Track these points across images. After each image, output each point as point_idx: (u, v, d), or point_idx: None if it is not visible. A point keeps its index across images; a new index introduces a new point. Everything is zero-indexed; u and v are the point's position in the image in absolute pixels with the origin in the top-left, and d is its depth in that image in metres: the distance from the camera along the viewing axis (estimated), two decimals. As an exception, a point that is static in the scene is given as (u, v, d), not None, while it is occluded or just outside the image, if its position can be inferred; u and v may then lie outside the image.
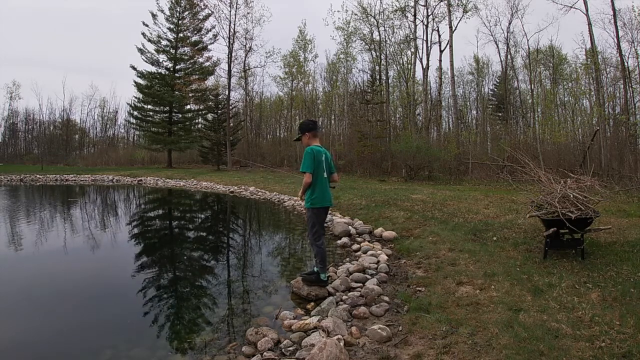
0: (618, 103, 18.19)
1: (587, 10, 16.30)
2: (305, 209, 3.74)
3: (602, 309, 2.73)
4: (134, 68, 26.43)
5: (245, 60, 26.72)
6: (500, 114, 28.89)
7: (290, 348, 2.62)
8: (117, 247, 6.12)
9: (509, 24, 23.65)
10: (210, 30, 26.90)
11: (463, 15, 20.74)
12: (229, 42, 24.53)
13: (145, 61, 26.81)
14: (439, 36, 21.75)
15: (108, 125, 44.43)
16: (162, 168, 26.80)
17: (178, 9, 26.51)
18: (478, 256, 4.18)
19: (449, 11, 20.25)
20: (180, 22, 26.61)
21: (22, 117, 43.33)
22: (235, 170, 23.95)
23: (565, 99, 23.80)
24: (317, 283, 3.63)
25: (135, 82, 26.53)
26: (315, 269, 3.71)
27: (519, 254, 4.16)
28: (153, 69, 26.97)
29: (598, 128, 15.07)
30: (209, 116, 27.69)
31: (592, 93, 17.65)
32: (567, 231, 3.76)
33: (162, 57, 27.04)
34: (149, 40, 26.44)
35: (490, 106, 32.05)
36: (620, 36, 16.02)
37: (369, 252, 4.83)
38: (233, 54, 24.98)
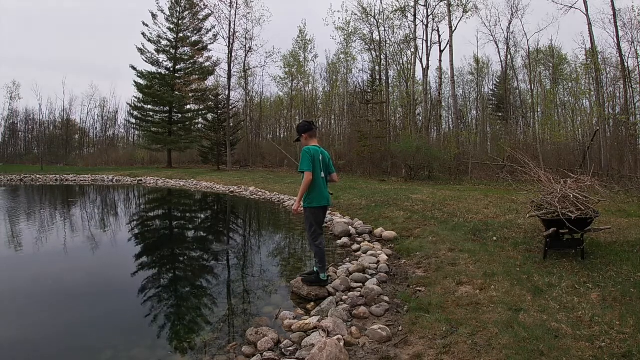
0: (618, 103, 18.21)
1: (587, 10, 16.32)
2: (302, 209, 3.74)
3: (602, 309, 2.73)
4: (134, 68, 26.48)
5: (245, 60, 26.76)
6: (500, 114, 28.87)
7: (290, 348, 2.62)
8: (117, 247, 6.12)
9: (509, 24, 23.68)
10: (210, 30, 26.96)
11: (463, 16, 20.76)
12: (229, 42, 24.55)
13: (145, 61, 26.87)
14: (439, 36, 21.77)
15: (108, 125, 44.47)
16: (162, 168, 26.79)
17: (178, 9, 26.51)
18: (478, 256, 4.18)
19: (449, 11, 20.25)
20: (180, 22, 26.61)
21: (22, 117, 43.35)
22: (235, 170, 23.96)
23: (565, 99, 23.81)
24: (317, 283, 3.63)
25: (135, 82, 26.58)
26: (315, 269, 3.71)
27: (519, 254, 4.16)
28: (153, 69, 27.04)
29: (598, 128, 15.07)
30: (209, 116, 27.68)
31: (592, 93, 17.65)
32: (567, 231, 3.76)
33: (162, 57, 27.10)
34: (149, 40, 26.48)
35: (490, 106, 32.05)
36: (620, 36, 16.04)
37: (369, 252, 4.83)
38: (233, 54, 25.00)
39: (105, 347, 2.70)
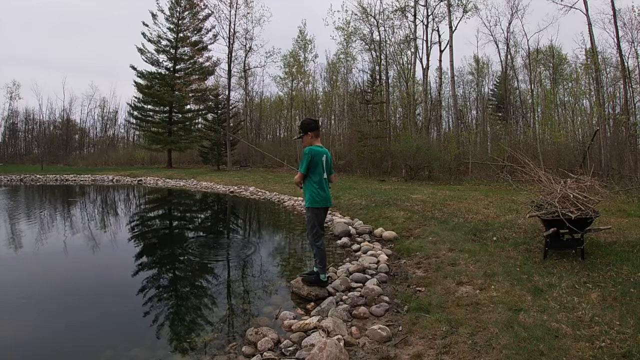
0: (618, 103, 18.22)
1: (587, 10, 16.31)
2: (304, 209, 3.76)
3: (602, 309, 2.73)
4: (134, 68, 26.48)
5: (245, 60, 26.81)
6: (500, 114, 28.87)
7: (290, 348, 2.62)
8: (117, 247, 6.11)
9: (509, 24, 23.63)
10: (210, 30, 26.95)
11: (463, 16, 20.77)
12: (229, 42, 24.56)
13: (145, 61, 26.86)
14: (439, 36, 21.77)
15: (108, 125, 44.44)
16: (162, 168, 26.79)
17: (178, 9, 26.50)
18: (478, 256, 4.18)
19: (449, 11, 20.26)
20: (180, 22, 26.60)
21: (22, 117, 43.29)
22: (235, 170, 23.96)
23: (565, 99, 23.81)
24: (317, 283, 3.63)
25: (135, 82, 26.59)
26: (315, 269, 3.71)
27: (519, 254, 4.16)
28: (153, 69, 27.04)
29: (598, 128, 15.07)
30: (209, 116, 27.70)
31: (592, 93, 17.67)
32: (567, 231, 3.76)
33: (162, 57, 27.09)
34: (149, 40, 26.46)
35: (490, 106, 32.03)
36: (620, 36, 16.04)
37: (369, 252, 4.83)
38: (233, 54, 25.02)
39: (105, 347, 2.70)
